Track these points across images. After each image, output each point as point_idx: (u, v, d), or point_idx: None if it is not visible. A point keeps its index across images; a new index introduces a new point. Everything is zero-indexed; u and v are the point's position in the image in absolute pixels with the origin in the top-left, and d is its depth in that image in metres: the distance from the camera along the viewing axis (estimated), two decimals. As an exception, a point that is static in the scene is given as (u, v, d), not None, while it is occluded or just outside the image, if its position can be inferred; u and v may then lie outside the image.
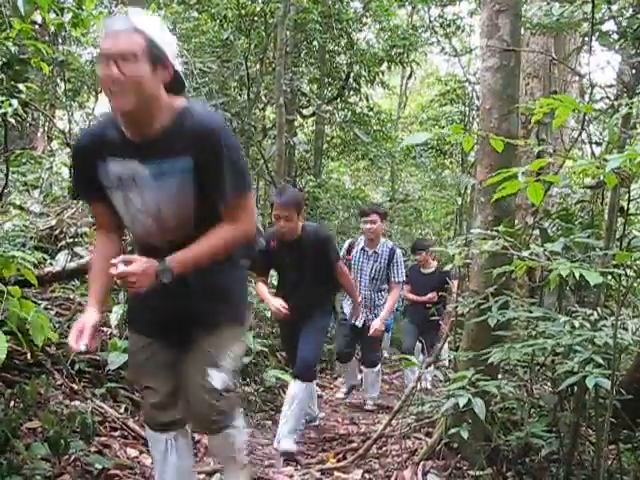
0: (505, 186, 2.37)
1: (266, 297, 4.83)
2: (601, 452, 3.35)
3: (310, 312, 4.88)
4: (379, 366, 6.86)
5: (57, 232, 5.67)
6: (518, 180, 2.31)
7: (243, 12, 10.88)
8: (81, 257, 5.16)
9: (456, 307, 4.26)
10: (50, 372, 4.14)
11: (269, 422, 5.49)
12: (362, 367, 6.89)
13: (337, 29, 11.68)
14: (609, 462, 3.73)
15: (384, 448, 4.74)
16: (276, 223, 4.68)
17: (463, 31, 14.42)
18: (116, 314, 4.40)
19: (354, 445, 4.92)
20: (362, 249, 6.49)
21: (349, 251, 6.76)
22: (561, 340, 3.30)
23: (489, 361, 3.61)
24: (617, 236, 3.82)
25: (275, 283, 5.36)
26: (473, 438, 3.84)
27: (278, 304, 4.66)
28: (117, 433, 3.92)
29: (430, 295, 7.75)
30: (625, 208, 3.85)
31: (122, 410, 4.16)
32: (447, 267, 5.17)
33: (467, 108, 14.10)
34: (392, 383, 8.63)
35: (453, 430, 3.80)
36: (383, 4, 12.14)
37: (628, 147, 2.18)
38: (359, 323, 6.30)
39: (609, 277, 3.30)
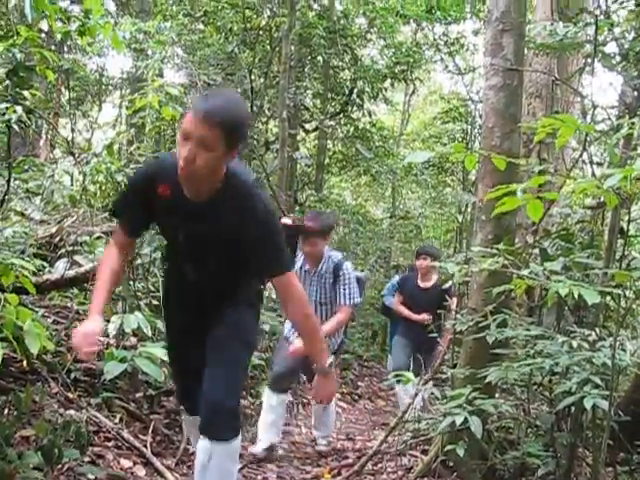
0: (504, 202, 2.37)
1: None
2: (598, 474, 3.34)
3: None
4: (334, 400, 5.46)
5: (57, 240, 5.66)
6: (517, 197, 2.31)
7: (248, 26, 10.94)
8: (80, 265, 5.15)
9: (454, 324, 4.25)
10: (45, 380, 4.12)
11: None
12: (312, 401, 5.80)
13: (342, 45, 11.72)
14: (606, 484, 3.71)
15: (380, 465, 4.71)
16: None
17: (467, 50, 14.49)
18: (114, 324, 4.39)
19: (349, 461, 4.90)
20: (300, 267, 5.13)
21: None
22: (559, 360, 3.29)
23: (487, 380, 3.60)
24: (617, 257, 3.81)
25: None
26: (469, 456, 3.82)
27: None
28: (111, 443, 3.89)
29: (424, 316, 6.64)
30: (625, 229, 3.85)
31: (117, 420, 4.14)
32: (447, 284, 5.17)
33: (469, 126, 14.14)
34: (389, 400, 8.59)
35: (449, 448, 3.78)
36: (388, 21, 12.20)
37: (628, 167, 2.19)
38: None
39: (608, 298, 3.30)
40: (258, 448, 4.82)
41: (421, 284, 6.90)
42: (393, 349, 7.09)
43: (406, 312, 6.90)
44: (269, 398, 4.98)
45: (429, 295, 6.73)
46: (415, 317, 6.73)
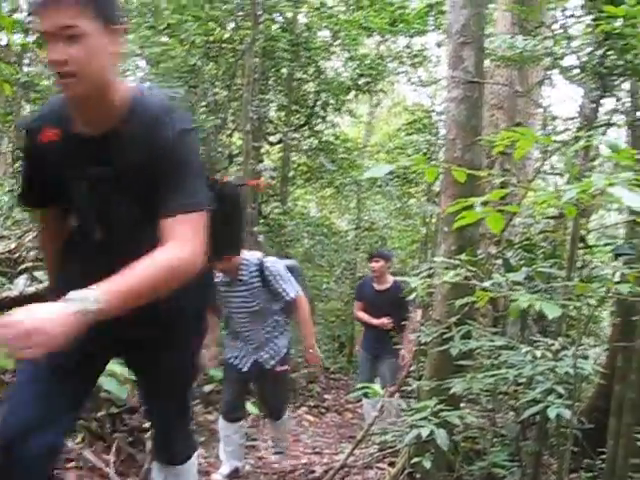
0: (464, 215, 2.38)
1: None
2: (562, 482, 3.36)
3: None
4: (286, 414, 5.33)
5: (16, 256, 5.58)
6: (476, 210, 2.32)
7: (212, 38, 10.90)
8: (40, 282, 5.07)
9: (419, 336, 4.26)
10: (2, 401, 4.03)
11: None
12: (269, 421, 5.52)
13: (305, 57, 11.75)
14: (570, 492, 3.74)
15: (347, 478, 4.70)
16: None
17: (430, 62, 14.61)
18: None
19: (317, 475, 4.88)
20: (221, 280, 4.61)
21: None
22: (523, 370, 3.32)
23: (452, 391, 3.61)
24: (578, 266, 3.86)
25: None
26: (436, 468, 3.82)
27: None
28: (73, 464, 3.82)
29: (384, 320, 6.63)
30: (585, 238, 3.91)
31: (79, 440, 4.07)
32: (405, 281, 5.15)
33: (433, 137, 14.24)
34: (356, 412, 8.58)
35: (416, 460, 3.78)
36: (351, 34, 12.25)
37: (585, 179, 2.21)
38: (246, 367, 4.81)
39: (570, 307, 3.33)
40: (222, 472, 4.78)
41: (377, 287, 6.91)
42: (359, 366, 7.21)
43: (365, 317, 6.89)
44: (225, 429, 4.84)
45: (387, 297, 6.77)
46: (375, 322, 6.71)
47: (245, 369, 4.78)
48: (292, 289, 4.66)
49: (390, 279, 6.89)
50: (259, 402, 5.56)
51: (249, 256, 4.64)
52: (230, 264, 4.42)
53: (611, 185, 2.12)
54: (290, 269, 4.85)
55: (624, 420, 3.50)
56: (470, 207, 2.34)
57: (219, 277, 4.53)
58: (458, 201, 2.38)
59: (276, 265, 4.67)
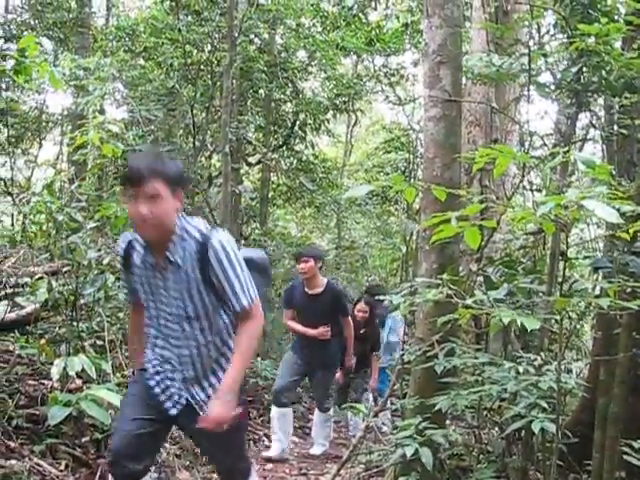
0: (442, 229, 2.40)
1: None
2: (549, 498, 3.36)
3: None
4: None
5: (-4, 282, 5.52)
6: (453, 224, 2.34)
7: (189, 61, 10.93)
8: (22, 307, 5.03)
9: (402, 354, 4.27)
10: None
11: (215, 475, 5.36)
12: None
13: (283, 78, 11.80)
14: (557, 507, 3.74)
15: (333, 499, 4.67)
16: None
17: (407, 80, 14.74)
18: (57, 367, 4.28)
19: (303, 496, 4.85)
20: (143, 261, 2.90)
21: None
22: (506, 386, 3.33)
23: (436, 408, 3.61)
24: (559, 280, 3.89)
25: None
26: (422, 487, 3.81)
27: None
28: (57, 491, 3.78)
29: (321, 330, 5.98)
30: (566, 253, 3.94)
31: (62, 467, 4.01)
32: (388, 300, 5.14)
33: (412, 156, 14.33)
34: (340, 431, 8.54)
35: (402, 479, 3.77)
36: (328, 54, 12.34)
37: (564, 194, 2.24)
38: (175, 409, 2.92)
39: (552, 321, 3.35)
40: None
41: (309, 291, 6.09)
42: (280, 367, 6.48)
43: (299, 328, 6.18)
44: None
45: (321, 302, 6.04)
46: (311, 332, 6.04)
47: (173, 411, 2.92)
48: (244, 293, 2.80)
49: (323, 281, 6.14)
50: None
51: (190, 223, 2.86)
52: (155, 213, 2.68)
53: (584, 199, 2.15)
54: (253, 262, 3.11)
55: (608, 433, 3.51)
56: (447, 221, 2.36)
57: (140, 254, 2.88)
58: (435, 215, 2.40)
59: (227, 243, 2.78)
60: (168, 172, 2.73)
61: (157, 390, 2.92)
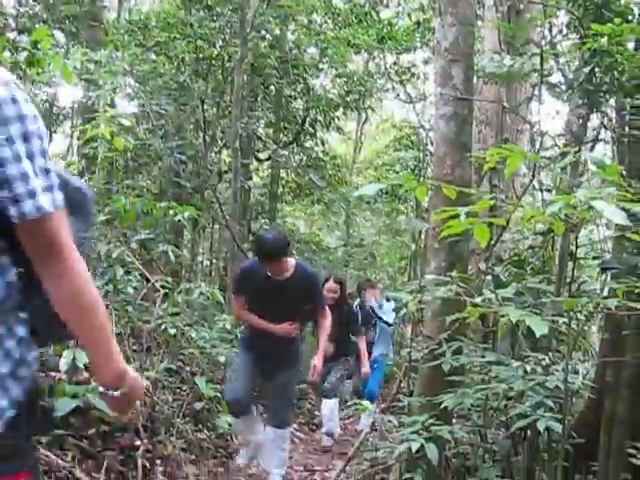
0: (451, 225, 2.39)
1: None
2: (554, 498, 3.36)
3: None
4: None
5: None
6: (460, 220, 2.34)
7: (200, 56, 10.94)
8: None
9: (410, 352, 4.27)
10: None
11: (221, 469, 5.39)
12: None
13: (294, 74, 11.80)
14: (562, 507, 3.74)
15: (338, 495, 4.69)
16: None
17: (418, 78, 14.71)
18: (66, 359, 4.30)
19: (308, 492, 4.86)
20: None
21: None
22: (513, 385, 3.33)
23: (443, 405, 3.61)
24: (567, 281, 3.88)
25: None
26: (427, 484, 3.82)
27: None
28: (63, 482, 3.79)
29: (286, 327, 4.81)
30: (574, 253, 3.93)
31: (69, 459, 4.03)
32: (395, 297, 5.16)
33: (421, 154, 14.31)
34: (346, 428, 8.55)
35: (407, 476, 3.78)
36: (340, 50, 12.33)
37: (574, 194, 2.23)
38: None
39: (560, 321, 3.35)
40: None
41: (274, 276, 4.75)
42: (235, 369, 5.08)
43: (259, 322, 4.87)
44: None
45: (288, 290, 4.72)
46: (275, 329, 4.80)
47: None
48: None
49: (290, 263, 4.80)
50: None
51: None
52: None
53: (593, 199, 2.15)
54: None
55: (615, 435, 3.51)
56: (457, 217, 2.36)
57: None
58: (444, 209, 2.40)
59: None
60: None
61: None
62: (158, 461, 4.60)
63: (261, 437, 4.98)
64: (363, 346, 7.13)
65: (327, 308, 5.12)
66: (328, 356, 5.97)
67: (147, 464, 4.49)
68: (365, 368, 7.14)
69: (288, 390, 5.04)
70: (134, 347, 5.39)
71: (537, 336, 4.21)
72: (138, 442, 4.50)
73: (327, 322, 5.05)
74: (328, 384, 6.79)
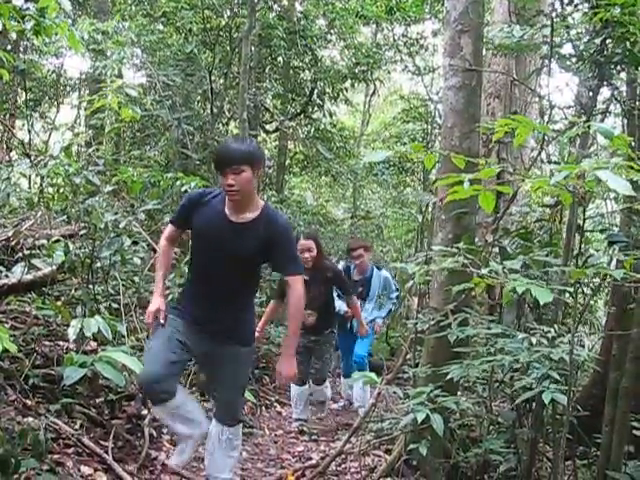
0: (456, 190, 2.39)
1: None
2: (558, 468, 3.39)
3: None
4: None
5: (14, 243, 5.56)
6: (465, 186, 2.33)
7: (208, 26, 10.87)
8: (38, 269, 5.06)
9: (416, 324, 4.28)
10: (2, 387, 4.04)
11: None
12: None
13: (302, 45, 11.71)
14: (565, 478, 3.77)
15: (343, 465, 4.73)
16: None
17: (426, 50, 14.57)
18: (74, 328, 4.33)
19: (313, 462, 4.90)
20: None
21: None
22: (519, 357, 3.34)
23: (448, 377, 3.63)
24: (574, 254, 3.88)
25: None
26: (432, 455, 3.85)
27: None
28: (71, 450, 3.83)
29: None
30: (582, 226, 3.92)
31: (77, 426, 4.07)
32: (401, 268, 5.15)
33: (429, 126, 14.23)
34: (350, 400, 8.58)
35: (412, 447, 3.80)
36: (348, 22, 12.22)
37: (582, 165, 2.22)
38: None
39: (566, 295, 3.35)
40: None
41: (234, 218, 3.57)
42: (151, 341, 3.73)
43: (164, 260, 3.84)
44: None
45: (250, 237, 3.49)
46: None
47: None
48: None
49: (258, 204, 3.61)
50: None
51: None
52: None
53: (598, 169, 2.14)
54: None
55: (619, 408, 3.52)
56: (461, 183, 2.36)
57: None
58: (449, 175, 2.39)
59: None
60: None
61: None
62: (164, 429, 4.64)
63: (198, 432, 3.71)
64: (356, 303, 6.27)
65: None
66: (308, 329, 5.48)
67: (154, 432, 4.53)
68: (362, 330, 6.42)
69: (239, 375, 3.74)
70: (141, 317, 5.41)
71: (543, 308, 4.23)
72: (145, 411, 4.54)
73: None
74: (313, 369, 6.06)
